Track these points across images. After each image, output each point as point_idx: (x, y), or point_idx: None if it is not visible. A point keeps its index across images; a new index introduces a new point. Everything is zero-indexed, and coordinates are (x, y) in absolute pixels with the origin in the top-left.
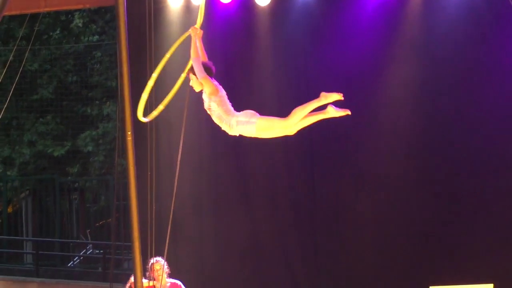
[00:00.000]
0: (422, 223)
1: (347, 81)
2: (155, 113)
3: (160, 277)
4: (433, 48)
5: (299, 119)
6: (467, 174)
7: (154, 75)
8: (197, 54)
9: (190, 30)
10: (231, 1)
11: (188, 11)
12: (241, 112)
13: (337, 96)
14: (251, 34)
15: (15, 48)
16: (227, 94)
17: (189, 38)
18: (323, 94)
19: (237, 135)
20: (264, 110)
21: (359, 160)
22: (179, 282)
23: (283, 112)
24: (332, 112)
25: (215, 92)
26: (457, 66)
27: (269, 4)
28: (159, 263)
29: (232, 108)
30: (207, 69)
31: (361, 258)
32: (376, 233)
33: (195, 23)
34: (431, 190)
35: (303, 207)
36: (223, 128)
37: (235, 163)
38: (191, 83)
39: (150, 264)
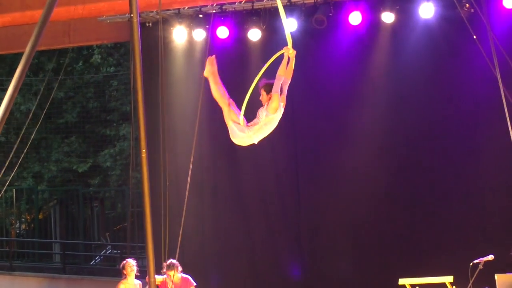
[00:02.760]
0: (392, 225)
1: (328, 100)
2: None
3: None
4: (400, 70)
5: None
6: (428, 185)
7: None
8: (283, 73)
9: (283, 49)
10: (228, 37)
11: (191, 45)
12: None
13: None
14: (245, 64)
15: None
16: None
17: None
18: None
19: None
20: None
21: (337, 170)
22: (189, 277)
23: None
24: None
25: (279, 107)
26: (420, 84)
27: (259, 39)
28: (170, 260)
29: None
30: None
31: (340, 253)
32: (353, 233)
33: (198, 55)
34: (400, 197)
35: (289, 208)
36: (260, 139)
37: (232, 172)
38: (260, 98)
39: (164, 264)
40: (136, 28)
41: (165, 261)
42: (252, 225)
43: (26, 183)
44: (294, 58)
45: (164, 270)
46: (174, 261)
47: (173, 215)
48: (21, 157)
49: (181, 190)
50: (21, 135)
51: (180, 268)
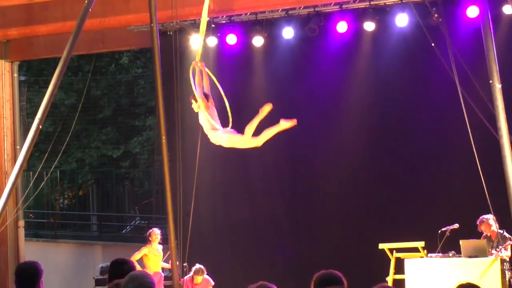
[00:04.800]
0: (372, 198)
1: (320, 95)
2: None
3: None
4: (380, 70)
5: (251, 132)
6: (403, 166)
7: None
8: (199, 82)
9: (192, 63)
10: (236, 43)
11: (205, 50)
12: (223, 129)
13: (292, 123)
14: (250, 66)
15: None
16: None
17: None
18: (282, 121)
19: (216, 143)
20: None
21: (327, 156)
22: (209, 277)
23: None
24: (284, 124)
25: (205, 108)
26: (397, 82)
27: (262, 45)
28: (199, 266)
29: (217, 125)
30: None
31: (329, 225)
32: (339, 206)
33: (210, 58)
34: (378, 175)
35: (288, 192)
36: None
37: (240, 166)
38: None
39: (193, 268)
40: (155, 34)
41: (193, 266)
42: (256, 208)
43: (70, 166)
44: (204, 68)
45: (192, 273)
46: (201, 266)
47: (188, 197)
48: (64, 144)
49: (195, 174)
50: (62, 126)
51: (205, 272)
